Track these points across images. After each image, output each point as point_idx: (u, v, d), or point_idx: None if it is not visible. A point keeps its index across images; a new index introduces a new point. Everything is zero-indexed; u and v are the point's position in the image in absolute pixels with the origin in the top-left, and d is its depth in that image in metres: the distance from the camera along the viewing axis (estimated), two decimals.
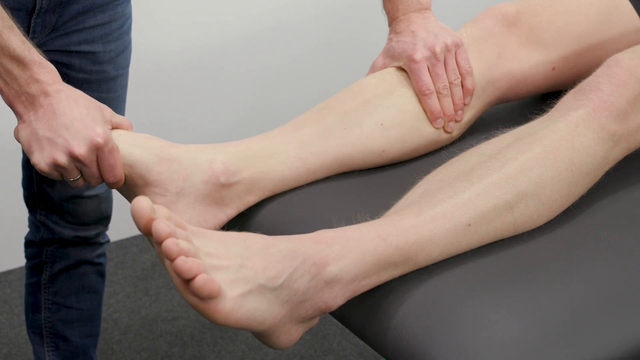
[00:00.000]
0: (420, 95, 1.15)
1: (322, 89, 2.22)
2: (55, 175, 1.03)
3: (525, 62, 1.21)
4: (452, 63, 1.17)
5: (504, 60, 1.20)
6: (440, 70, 1.16)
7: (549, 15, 1.22)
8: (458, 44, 1.17)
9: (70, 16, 1.28)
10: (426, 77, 1.15)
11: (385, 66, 1.20)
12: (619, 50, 1.13)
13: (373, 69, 1.21)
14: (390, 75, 1.17)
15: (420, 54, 1.16)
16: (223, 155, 1.08)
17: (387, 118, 1.13)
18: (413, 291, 0.93)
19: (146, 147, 1.05)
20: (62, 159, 1.00)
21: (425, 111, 1.15)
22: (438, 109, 1.15)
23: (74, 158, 1.00)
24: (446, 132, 1.17)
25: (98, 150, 1.01)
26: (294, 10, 2.44)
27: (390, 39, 1.22)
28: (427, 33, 1.18)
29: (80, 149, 1.00)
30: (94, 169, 1.02)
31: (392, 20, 1.23)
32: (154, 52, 2.23)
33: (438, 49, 1.16)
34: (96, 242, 1.58)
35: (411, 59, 1.16)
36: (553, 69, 1.21)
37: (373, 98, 1.14)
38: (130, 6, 1.39)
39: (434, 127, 1.16)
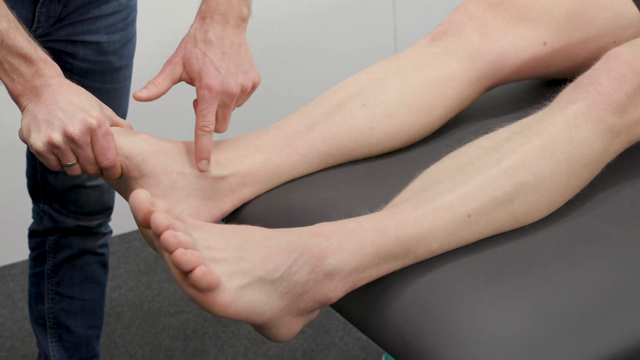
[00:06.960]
0: (199, 129, 1.08)
1: (325, 84, 2.22)
2: (52, 159, 1.04)
3: (512, 37, 1.19)
4: (231, 108, 1.10)
5: (489, 37, 1.19)
6: (229, 114, 1.10)
7: None
8: (256, 86, 1.11)
9: (75, 7, 1.29)
10: (212, 115, 1.08)
11: (178, 72, 1.11)
12: (611, 31, 1.12)
13: (167, 64, 1.12)
14: (380, 69, 1.17)
15: (220, 87, 1.08)
16: (214, 149, 1.10)
17: (369, 99, 1.14)
18: (414, 285, 0.93)
19: (142, 139, 1.07)
20: (57, 138, 1.02)
21: (195, 146, 1.07)
22: (209, 150, 1.07)
23: (68, 138, 1.02)
24: (201, 170, 1.07)
25: (92, 132, 1.02)
26: (296, 6, 2.44)
27: (194, 39, 1.10)
28: (236, 65, 1.09)
29: (74, 128, 1.01)
30: (88, 152, 1.03)
31: (206, 13, 1.11)
32: (158, 44, 2.23)
33: (238, 91, 1.09)
34: (98, 232, 1.59)
35: (209, 89, 1.08)
36: (545, 43, 1.20)
37: (356, 89, 1.15)
38: None
39: (198, 167, 1.07)
